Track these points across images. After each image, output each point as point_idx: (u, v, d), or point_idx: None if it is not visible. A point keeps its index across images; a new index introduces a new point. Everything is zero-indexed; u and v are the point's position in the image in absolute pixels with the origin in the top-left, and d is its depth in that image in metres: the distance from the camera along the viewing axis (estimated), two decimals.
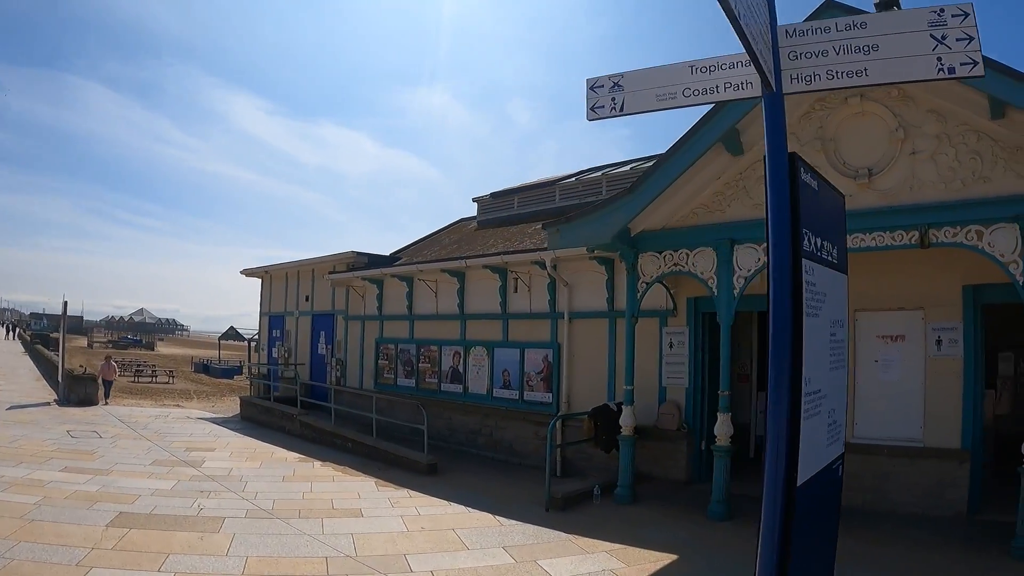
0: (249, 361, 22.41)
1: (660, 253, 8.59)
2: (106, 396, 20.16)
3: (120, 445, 11.59)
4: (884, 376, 8.45)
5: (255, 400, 16.87)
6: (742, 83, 2.96)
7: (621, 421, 8.73)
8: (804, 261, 2.46)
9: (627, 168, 14.59)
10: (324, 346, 17.16)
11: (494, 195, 17.37)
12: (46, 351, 32.86)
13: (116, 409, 17.29)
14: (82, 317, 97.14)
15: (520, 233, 14.37)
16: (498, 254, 12.01)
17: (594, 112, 3.26)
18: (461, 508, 8.29)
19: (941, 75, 2.63)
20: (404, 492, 9.07)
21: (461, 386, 12.90)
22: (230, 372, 37.73)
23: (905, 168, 7.20)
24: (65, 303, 20.00)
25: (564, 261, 10.81)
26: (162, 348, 70.15)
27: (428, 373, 13.69)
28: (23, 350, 46.69)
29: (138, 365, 43.49)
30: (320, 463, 11.08)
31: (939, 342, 8.01)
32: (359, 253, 15.80)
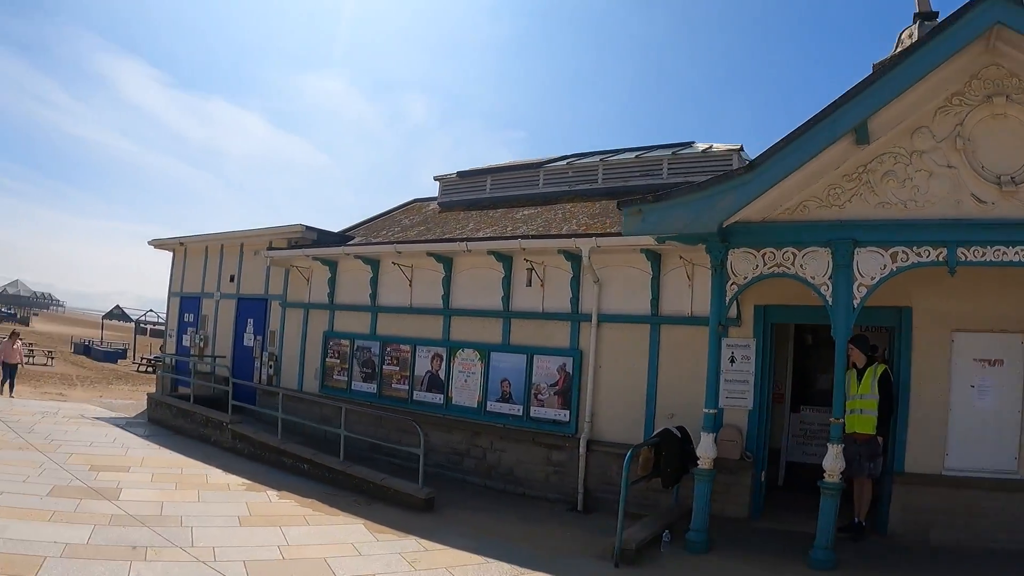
0: (162, 351, 19.24)
1: (758, 250, 6.97)
2: (10, 387, 17.09)
3: (1, 459, 8.76)
4: (979, 403, 7.41)
5: (167, 400, 13.78)
6: None
7: (700, 451, 7.06)
8: None
9: (631, 156, 12.96)
10: (253, 337, 14.55)
11: (461, 174, 15.36)
12: None
13: None
14: None
15: (503, 218, 12.49)
16: (514, 237, 10.02)
17: None
18: (505, 568, 6.32)
19: None
20: (412, 541, 6.94)
21: (442, 396, 10.80)
22: (114, 356, 33.88)
23: None
24: None
25: (601, 253, 9.05)
26: (37, 324, 63.30)
27: (396, 378, 11.50)
28: None
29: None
30: (276, 493, 8.67)
31: None
32: (308, 227, 13.37)
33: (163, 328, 54.32)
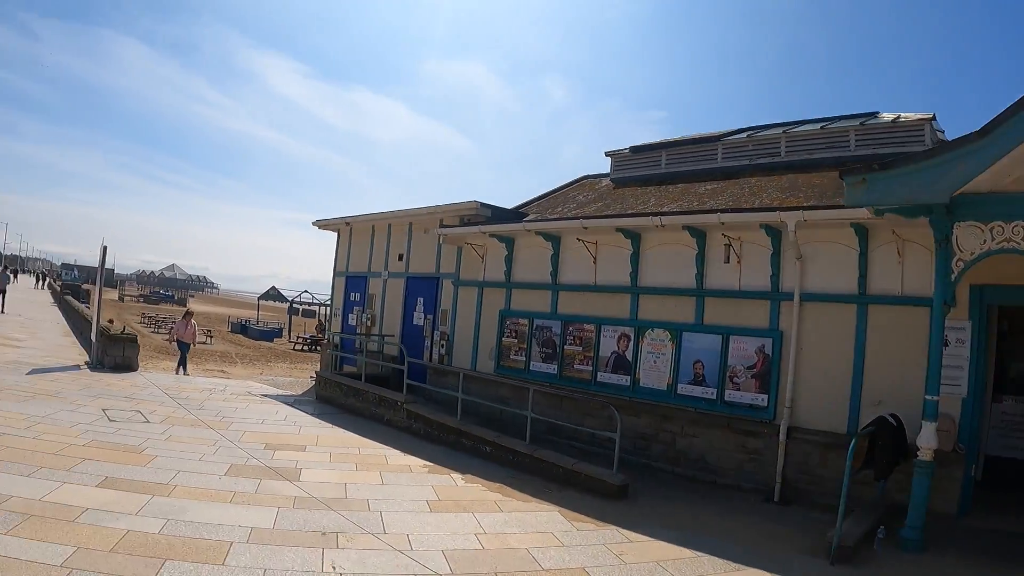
0: (319, 331, 21.50)
1: (985, 224, 7.47)
2: (183, 366, 19.30)
3: (176, 436, 10.10)
4: None
5: (337, 378, 15.79)
6: None
7: (919, 441, 7.64)
8: None
9: (815, 127, 13.53)
10: (423, 316, 16.29)
11: (634, 150, 16.35)
12: (77, 303, 32.66)
13: (159, 378, 16.33)
14: (113, 270, 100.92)
15: (685, 193, 13.42)
16: (711, 211, 10.89)
17: None
18: (719, 563, 7.04)
19: None
20: (613, 531, 7.85)
21: (628, 378, 11.92)
22: (270, 335, 38.03)
23: None
24: (104, 248, 18.31)
25: (805, 228, 9.74)
26: (194, 305, 70.66)
27: (578, 358, 12.75)
28: (52, 301, 46.46)
29: (173, 322, 43.36)
30: (460, 476, 9.81)
31: None
32: (483, 204, 14.82)
33: (315, 309, 58.73)
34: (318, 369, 18.84)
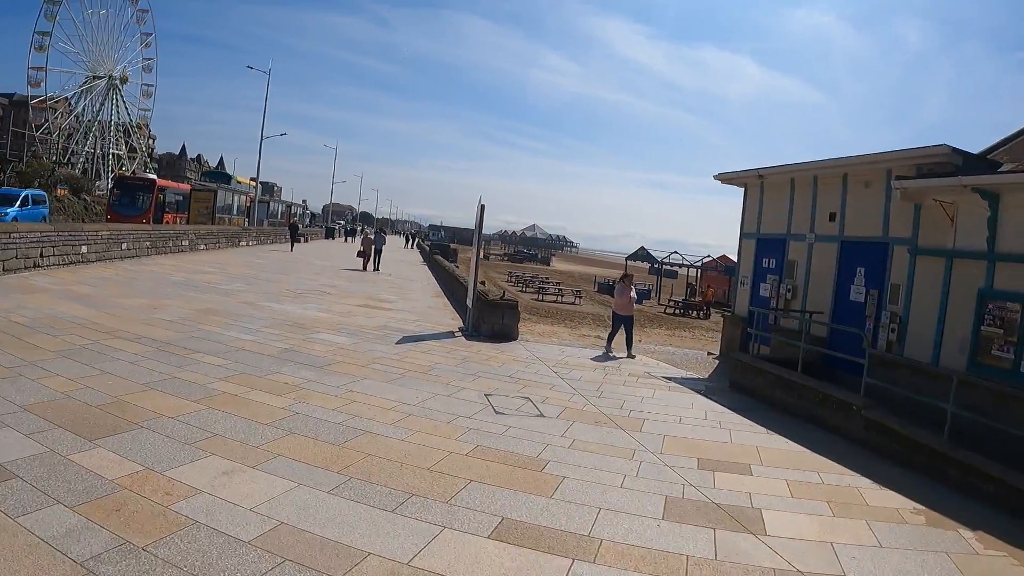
0: (734, 299, 19.16)
1: None
2: (628, 346, 15.80)
3: (580, 441, 8.31)
4: None
5: (757, 364, 12.88)
6: None
7: None
8: None
9: None
10: (863, 290, 13.17)
11: None
12: (446, 262, 34.64)
13: (541, 350, 15.00)
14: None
15: None
16: None
17: None
18: None
19: None
20: None
21: None
22: (639, 297, 37.54)
23: None
24: (482, 207, 16.82)
25: None
26: (557, 264, 74.01)
27: None
28: (421, 260, 51.38)
29: (540, 281, 45.03)
30: (973, 536, 6.60)
31: None
32: (954, 150, 11.28)
33: (676, 270, 57.21)
34: (719, 347, 16.60)
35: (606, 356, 15.28)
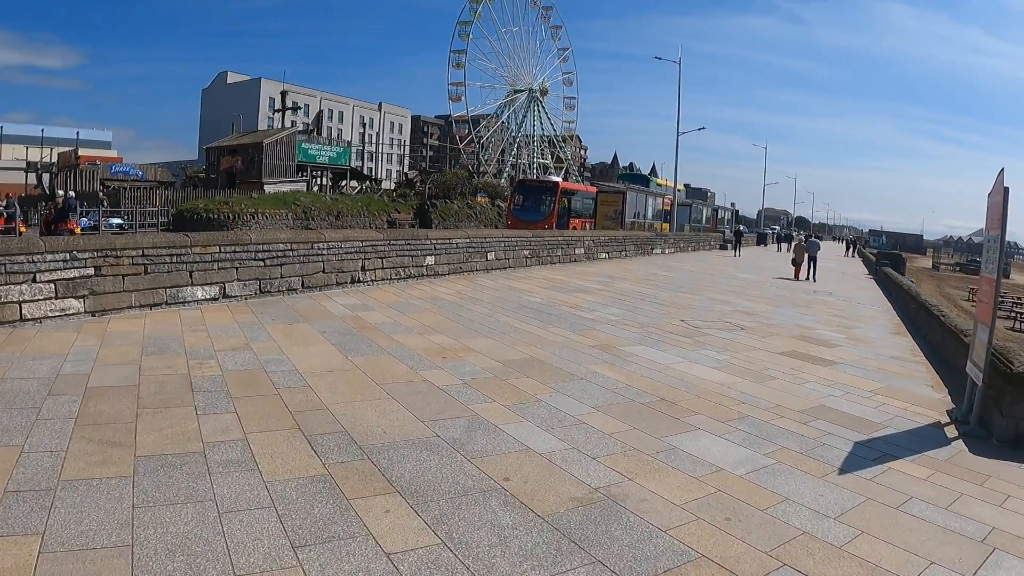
0: None
1: None
2: None
3: None
4: None
5: None
6: None
7: None
8: None
9: None
10: None
11: None
12: (900, 278, 26.27)
13: None
14: (921, 236, 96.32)
15: None
16: None
17: None
18: None
19: None
20: None
21: None
22: None
23: None
24: (1005, 189, 8.91)
25: None
26: (1016, 276, 58.71)
27: None
28: (866, 272, 41.50)
29: (1013, 303, 34.31)
30: None
31: None
32: None
33: None
34: None
35: None
